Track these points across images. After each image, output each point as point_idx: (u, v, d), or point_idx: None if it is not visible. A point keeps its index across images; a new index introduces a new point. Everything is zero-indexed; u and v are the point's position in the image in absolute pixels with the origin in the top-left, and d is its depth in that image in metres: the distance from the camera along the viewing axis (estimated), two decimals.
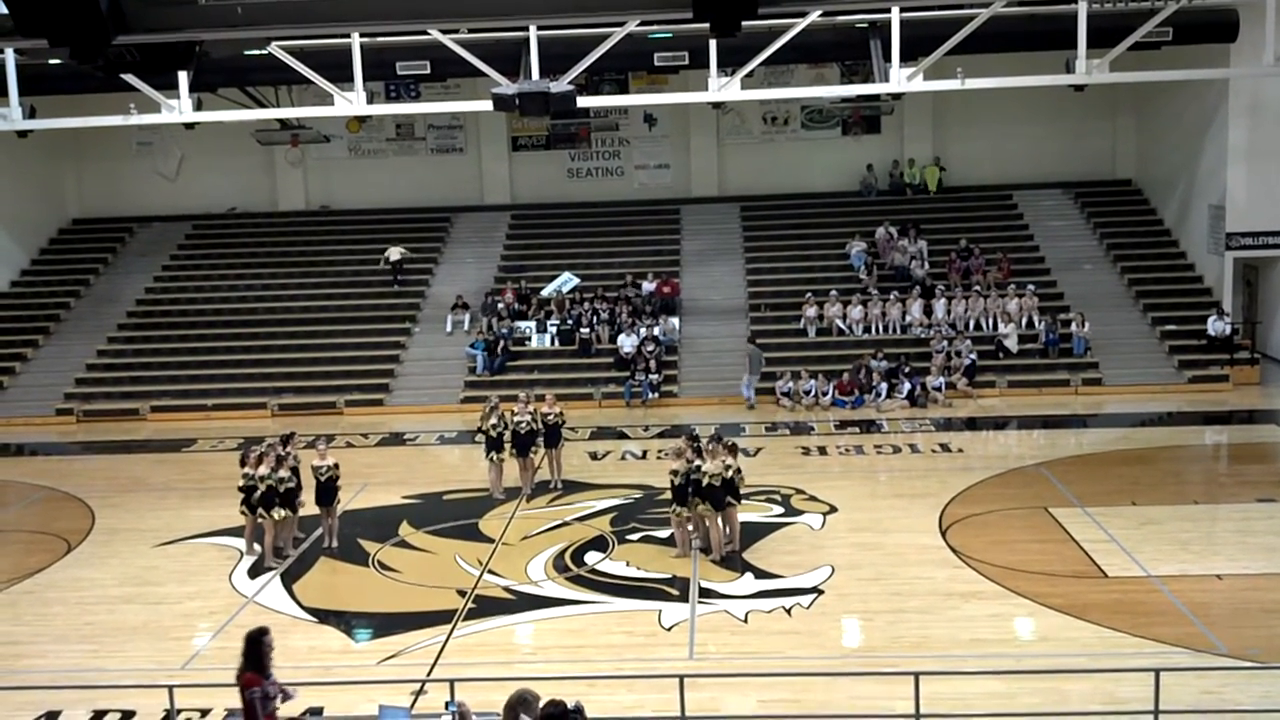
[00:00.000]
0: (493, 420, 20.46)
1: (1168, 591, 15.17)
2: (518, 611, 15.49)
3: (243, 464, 17.83)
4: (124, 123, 23.32)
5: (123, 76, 19.26)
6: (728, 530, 17.07)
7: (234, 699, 12.70)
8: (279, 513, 17.36)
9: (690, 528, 17.24)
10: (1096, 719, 11.80)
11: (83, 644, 14.90)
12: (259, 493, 17.28)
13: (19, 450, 26.67)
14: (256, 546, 17.64)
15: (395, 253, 33.44)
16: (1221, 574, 15.85)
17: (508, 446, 20.50)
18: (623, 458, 23.76)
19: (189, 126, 24.05)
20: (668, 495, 17.30)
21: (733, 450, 17.22)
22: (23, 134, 24.59)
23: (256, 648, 9.56)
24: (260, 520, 17.41)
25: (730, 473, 16.76)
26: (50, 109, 25.29)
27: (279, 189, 37.29)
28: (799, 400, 27.50)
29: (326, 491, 17.94)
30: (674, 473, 16.99)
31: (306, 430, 26.40)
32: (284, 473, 17.48)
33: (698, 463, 16.81)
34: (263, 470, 17.38)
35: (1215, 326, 28.73)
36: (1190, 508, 19.11)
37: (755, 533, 17.75)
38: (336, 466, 18.14)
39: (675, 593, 15.83)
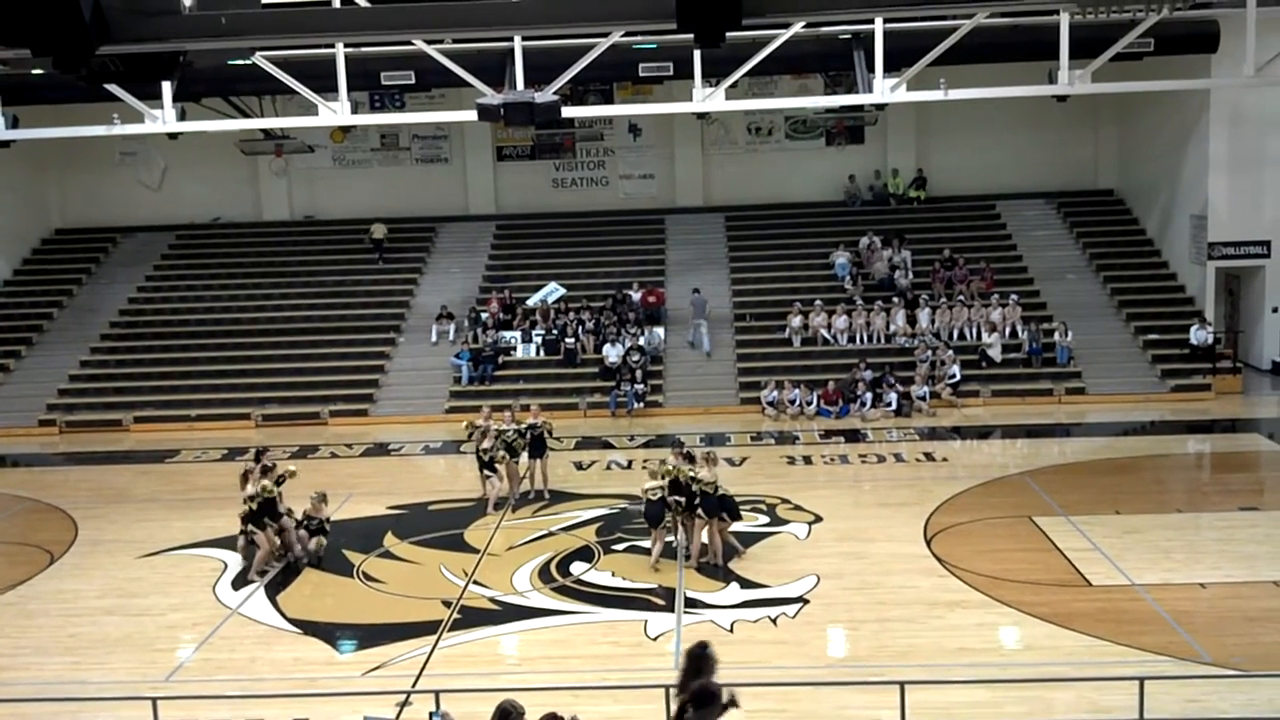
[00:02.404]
0: (486, 444, 20.42)
1: (1151, 600, 15.22)
2: (503, 622, 15.45)
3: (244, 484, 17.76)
4: (107, 133, 23.30)
5: (106, 86, 19.32)
6: (711, 538, 17.12)
7: (217, 710, 12.71)
8: (288, 507, 17.46)
9: (683, 537, 17.27)
10: None
11: (65, 656, 14.81)
12: (252, 510, 17.25)
13: (0, 461, 26.52)
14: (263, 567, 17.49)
15: (379, 230, 34.22)
16: (1205, 582, 15.91)
17: (503, 464, 20.49)
18: (608, 468, 23.75)
19: (173, 136, 24.08)
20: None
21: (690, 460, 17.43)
22: (5, 144, 24.53)
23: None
24: (252, 536, 17.35)
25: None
26: (33, 119, 25.28)
27: (263, 199, 37.21)
28: (784, 410, 27.53)
29: (314, 531, 18.03)
30: (648, 490, 17.05)
31: (290, 441, 26.45)
32: (267, 481, 17.46)
33: (692, 471, 16.90)
34: (250, 489, 17.34)
35: (1198, 336, 28.88)
36: (1173, 516, 19.18)
37: (741, 542, 17.73)
38: (329, 520, 18.36)
39: (661, 603, 15.82)
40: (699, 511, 16.92)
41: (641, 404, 28.38)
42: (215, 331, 31.93)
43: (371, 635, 15.06)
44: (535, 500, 20.91)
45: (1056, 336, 29.16)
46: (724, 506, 17.03)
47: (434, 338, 31.27)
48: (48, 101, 25.81)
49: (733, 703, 9.11)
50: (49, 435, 28.64)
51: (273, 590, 16.79)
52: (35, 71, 22.45)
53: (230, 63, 23.21)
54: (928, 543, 17.87)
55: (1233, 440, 25.55)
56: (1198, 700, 12.21)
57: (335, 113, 22.06)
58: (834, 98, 28.26)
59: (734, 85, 22.29)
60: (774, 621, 15.01)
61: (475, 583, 16.81)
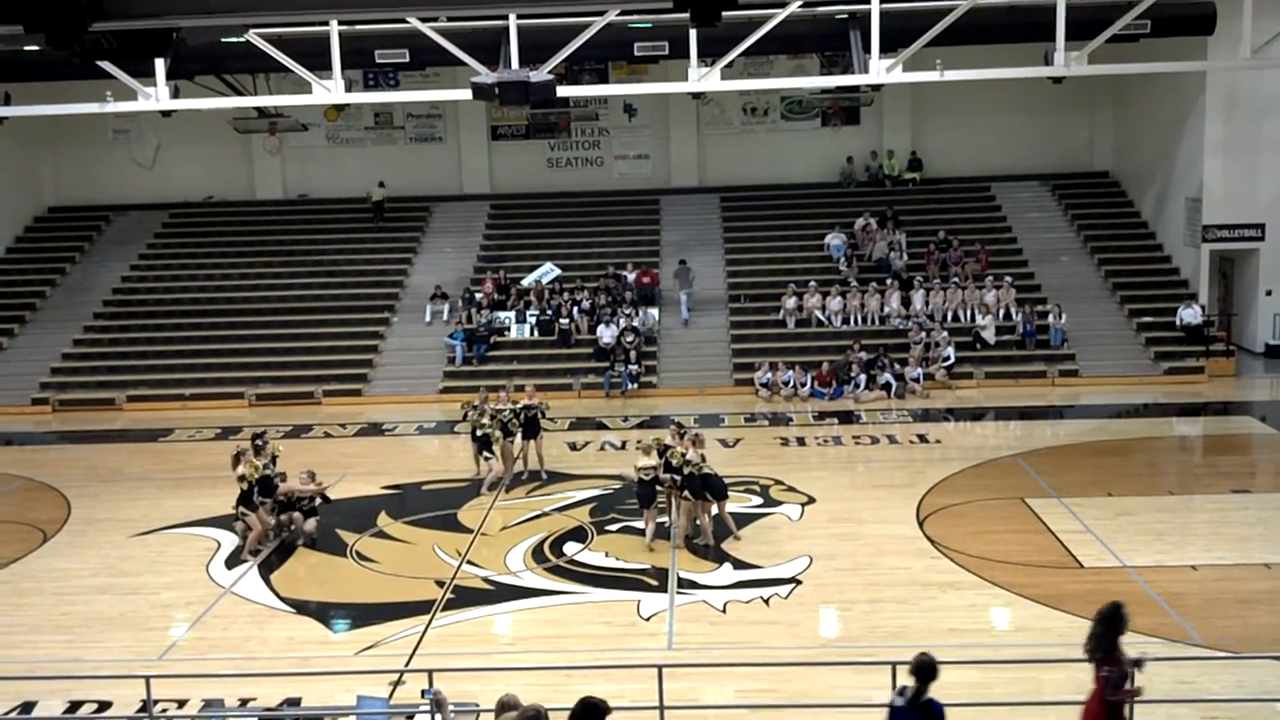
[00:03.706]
0: (484, 420, 20.46)
1: (1143, 582, 15.26)
2: (496, 602, 15.47)
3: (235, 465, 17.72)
4: (100, 110, 23.17)
5: (99, 63, 19.18)
6: (702, 519, 17.18)
7: (211, 689, 12.71)
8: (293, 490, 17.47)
9: (681, 518, 17.32)
10: (1072, 708, 11.85)
11: (58, 634, 14.81)
12: (244, 491, 17.26)
13: None
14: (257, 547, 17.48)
15: (378, 193, 34.63)
16: (1196, 565, 15.96)
17: (499, 444, 20.49)
18: (602, 448, 23.75)
19: (166, 114, 23.96)
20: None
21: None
22: None
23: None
24: (244, 517, 17.34)
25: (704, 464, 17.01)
26: (26, 96, 25.13)
27: (256, 177, 37.09)
28: (777, 391, 27.55)
29: (307, 512, 17.99)
30: (641, 468, 17.08)
31: (284, 420, 26.44)
32: (261, 460, 17.50)
33: (683, 451, 16.97)
34: (242, 470, 17.32)
35: (1186, 315, 28.91)
36: (1165, 499, 19.23)
37: (734, 523, 17.74)
38: (322, 490, 18.31)
39: (654, 583, 15.84)
40: (684, 493, 17.00)
41: (635, 385, 28.39)
42: (208, 310, 31.88)
43: (365, 615, 15.07)
44: (530, 481, 20.92)
45: (1050, 319, 29.18)
46: (708, 486, 17.04)
47: (428, 317, 31.22)
48: (40, 79, 25.62)
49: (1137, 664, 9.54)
50: (42, 414, 28.60)
51: (266, 569, 16.81)
52: (28, 48, 22.34)
53: (224, 40, 23.10)
54: (920, 524, 17.91)
55: (1225, 423, 25.60)
56: (1188, 681, 12.25)
57: (329, 91, 21.97)
58: (830, 78, 28.23)
59: (730, 65, 22.22)
60: (766, 602, 15.04)
61: (469, 563, 16.83)
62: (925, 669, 9.04)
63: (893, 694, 9.26)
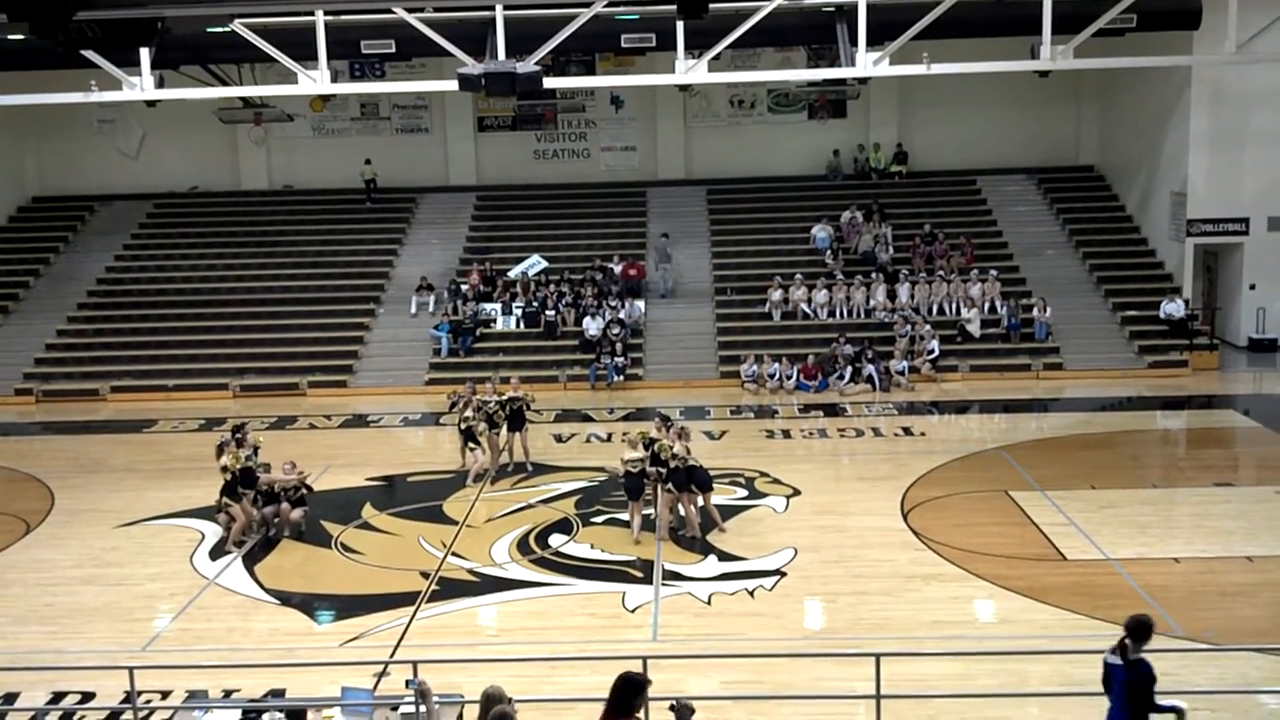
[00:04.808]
0: (468, 414, 20.46)
1: (1126, 574, 15.33)
2: (481, 594, 15.48)
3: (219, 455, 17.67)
4: (85, 100, 23.06)
5: (84, 53, 19.13)
6: (687, 511, 17.21)
7: (195, 680, 12.69)
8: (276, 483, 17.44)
9: (662, 510, 17.32)
10: (1055, 700, 11.93)
11: (42, 625, 14.78)
12: (227, 482, 17.21)
13: None
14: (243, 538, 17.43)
15: (369, 170, 34.84)
16: (1179, 557, 16.03)
17: (484, 436, 20.47)
18: (587, 440, 23.75)
19: (151, 104, 23.83)
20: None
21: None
22: None
23: None
24: (227, 508, 17.31)
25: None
26: (10, 85, 25.04)
27: (242, 168, 36.98)
28: (763, 384, 27.58)
29: (294, 503, 17.93)
30: (628, 461, 17.08)
31: (268, 411, 26.38)
32: (243, 452, 17.47)
33: (671, 445, 16.99)
34: (225, 460, 17.27)
35: (1168, 308, 29.02)
36: (1149, 491, 19.31)
37: (719, 515, 17.77)
38: (304, 479, 18.19)
39: (639, 575, 15.87)
40: (668, 485, 17.03)
41: (621, 377, 28.39)
42: (193, 301, 31.76)
43: (349, 606, 15.06)
44: (516, 473, 20.92)
45: (1035, 312, 29.25)
46: (693, 479, 17.06)
47: (413, 309, 31.16)
48: (24, 68, 25.55)
49: None
50: (25, 404, 28.47)
51: (250, 560, 16.77)
52: (12, 37, 22.23)
53: (209, 30, 23.01)
54: (905, 516, 17.96)
55: (1209, 416, 25.71)
56: (1171, 674, 12.24)
57: (315, 81, 21.91)
58: (817, 71, 28.22)
59: (716, 57, 22.20)
60: (751, 594, 15.07)
61: (454, 554, 16.82)
62: (1138, 628, 9.30)
63: (1107, 653, 9.51)
